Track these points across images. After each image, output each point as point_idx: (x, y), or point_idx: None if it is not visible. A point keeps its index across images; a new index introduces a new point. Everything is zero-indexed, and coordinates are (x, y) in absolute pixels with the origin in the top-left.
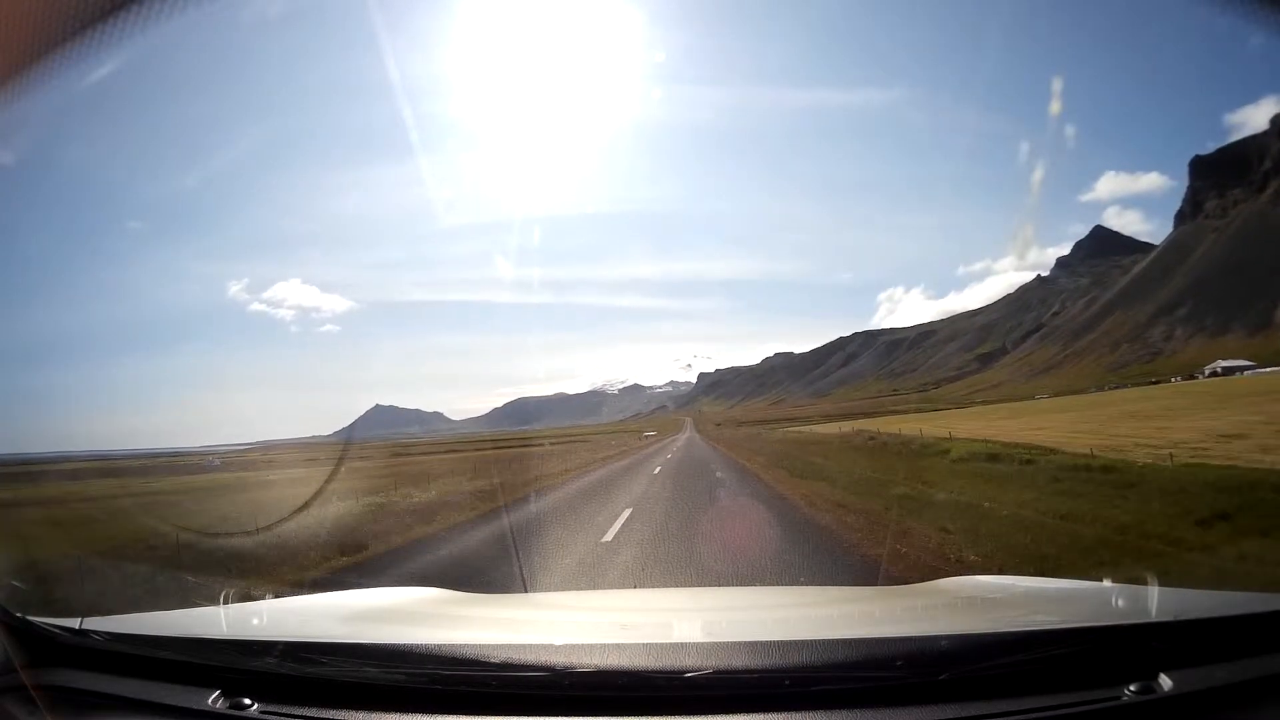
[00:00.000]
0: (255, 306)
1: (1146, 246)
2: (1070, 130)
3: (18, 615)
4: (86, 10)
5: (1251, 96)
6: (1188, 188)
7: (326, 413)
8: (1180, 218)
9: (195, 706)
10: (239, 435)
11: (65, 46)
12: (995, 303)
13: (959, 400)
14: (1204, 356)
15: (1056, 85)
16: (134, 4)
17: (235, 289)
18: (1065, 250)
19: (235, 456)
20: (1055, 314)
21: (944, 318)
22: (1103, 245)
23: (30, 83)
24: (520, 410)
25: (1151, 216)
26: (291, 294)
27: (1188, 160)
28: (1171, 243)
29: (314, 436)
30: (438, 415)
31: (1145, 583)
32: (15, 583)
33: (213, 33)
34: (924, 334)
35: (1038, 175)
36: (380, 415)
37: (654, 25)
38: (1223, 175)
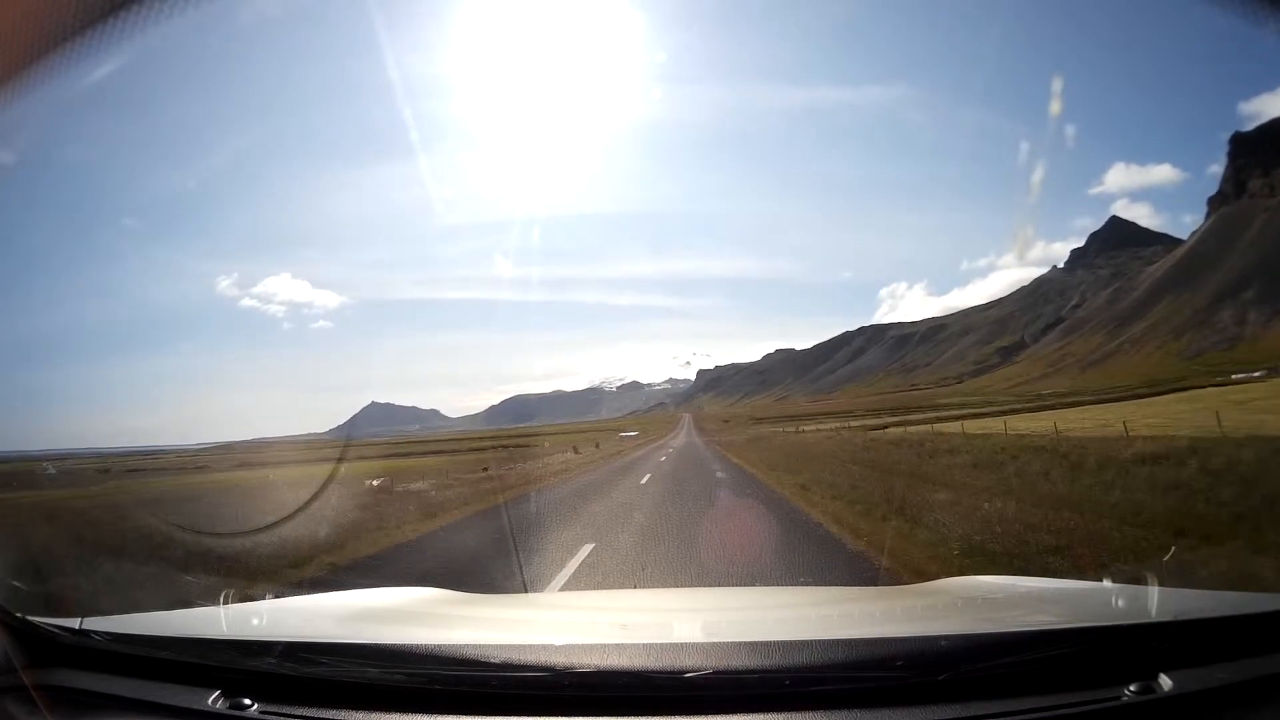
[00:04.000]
0: (246, 302)
1: (1164, 237)
2: (1076, 124)
3: (18, 615)
4: (86, 10)
5: (1269, 85)
6: (1227, 167)
7: (323, 410)
8: (1220, 199)
9: (195, 706)
10: (237, 433)
11: (65, 46)
12: (1008, 296)
13: (1024, 396)
14: None
15: (1061, 79)
16: (134, 4)
17: (225, 284)
18: (1074, 244)
19: (179, 459)
20: (1076, 306)
21: (954, 312)
22: (1120, 237)
23: (30, 83)
24: (518, 408)
25: (1162, 209)
26: (282, 289)
27: (1202, 150)
28: (1214, 224)
29: (311, 434)
30: (434, 413)
31: (1145, 583)
32: (15, 583)
33: (212, 33)
34: (935, 328)
35: (1041, 171)
36: (376, 413)
37: (654, 26)
38: (1267, 154)
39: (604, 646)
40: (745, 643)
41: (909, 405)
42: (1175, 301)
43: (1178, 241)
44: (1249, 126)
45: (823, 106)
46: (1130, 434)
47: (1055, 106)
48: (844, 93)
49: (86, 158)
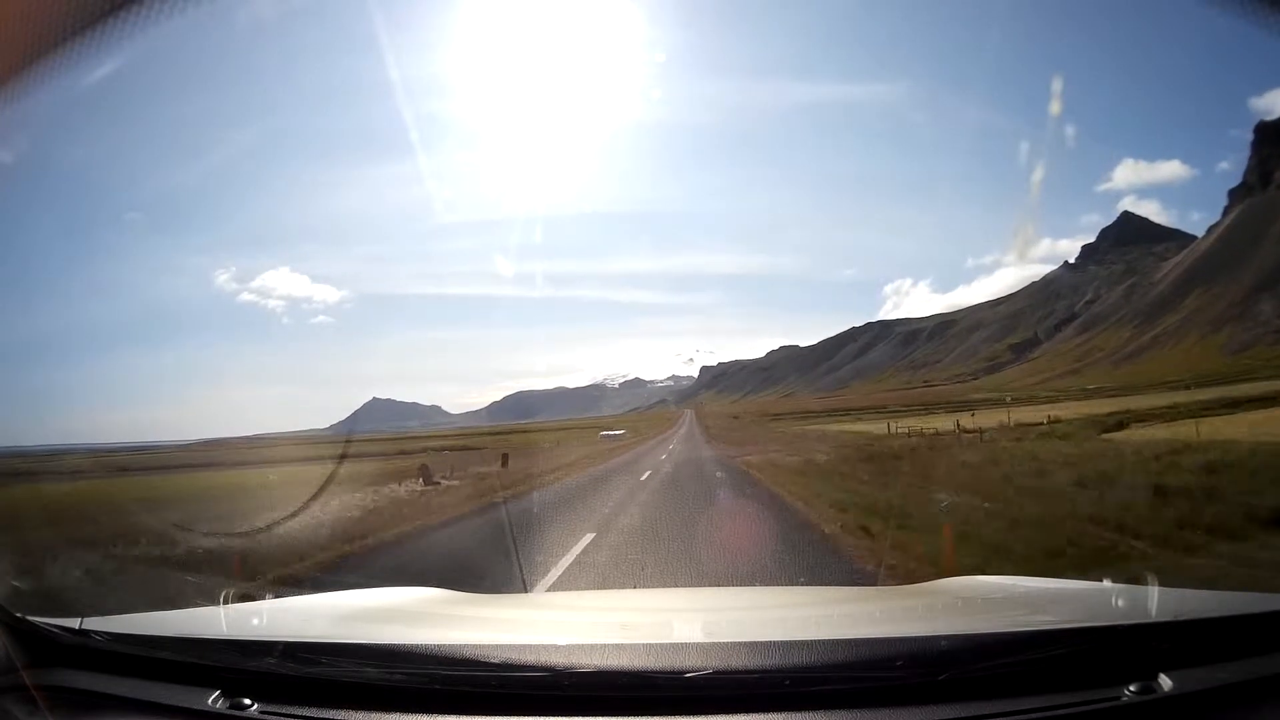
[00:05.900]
0: (245, 297)
1: (1176, 233)
2: (1083, 120)
3: (18, 615)
4: (86, 10)
5: (1278, 80)
6: (1250, 158)
7: (324, 406)
8: (1244, 190)
9: (195, 706)
10: (238, 429)
11: (65, 46)
12: (1018, 292)
13: (1068, 391)
14: None
15: (1067, 76)
16: (134, 4)
17: (223, 279)
18: (1082, 240)
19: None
20: (1090, 302)
21: (963, 308)
22: (1131, 233)
23: (30, 82)
24: (520, 404)
25: (1170, 206)
26: (281, 283)
27: (1212, 146)
28: (1240, 215)
29: (311, 430)
30: (436, 409)
31: (1145, 583)
32: (15, 583)
33: (212, 32)
34: (944, 324)
35: (1047, 168)
36: (378, 409)
37: (654, 25)
38: None
39: (604, 646)
40: (745, 643)
41: (940, 400)
42: (1206, 294)
43: (1190, 237)
44: (1267, 119)
45: (825, 104)
46: None
47: (1060, 104)
48: (846, 89)
49: (86, 158)
